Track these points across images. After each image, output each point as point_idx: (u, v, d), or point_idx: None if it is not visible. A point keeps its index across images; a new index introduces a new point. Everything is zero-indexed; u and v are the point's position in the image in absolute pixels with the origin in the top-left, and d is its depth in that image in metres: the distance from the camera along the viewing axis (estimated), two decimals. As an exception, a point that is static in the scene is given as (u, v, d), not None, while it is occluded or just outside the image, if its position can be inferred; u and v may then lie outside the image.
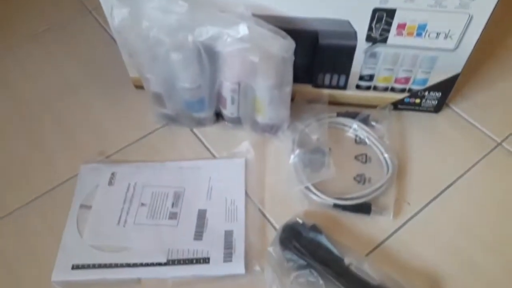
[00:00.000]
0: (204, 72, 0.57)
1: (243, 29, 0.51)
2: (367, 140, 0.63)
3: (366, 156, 0.62)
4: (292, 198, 0.58)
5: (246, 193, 0.59)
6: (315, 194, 0.57)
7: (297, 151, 0.60)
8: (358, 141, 0.64)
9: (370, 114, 0.64)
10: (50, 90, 0.73)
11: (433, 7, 0.51)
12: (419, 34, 0.55)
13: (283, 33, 0.53)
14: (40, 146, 0.65)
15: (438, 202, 0.58)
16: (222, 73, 0.57)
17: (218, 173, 0.61)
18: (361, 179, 0.60)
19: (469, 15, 0.52)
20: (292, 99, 0.61)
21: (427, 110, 0.66)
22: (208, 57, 0.55)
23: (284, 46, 0.53)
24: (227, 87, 0.59)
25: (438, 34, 0.54)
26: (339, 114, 0.65)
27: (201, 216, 0.57)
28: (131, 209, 0.58)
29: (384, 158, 0.61)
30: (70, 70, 0.76)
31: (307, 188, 0.57)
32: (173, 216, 0.57)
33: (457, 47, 0.56)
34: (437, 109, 0.66)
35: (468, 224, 0.56)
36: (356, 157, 0.62)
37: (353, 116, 0.64)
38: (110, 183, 0.61)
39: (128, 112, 0.69)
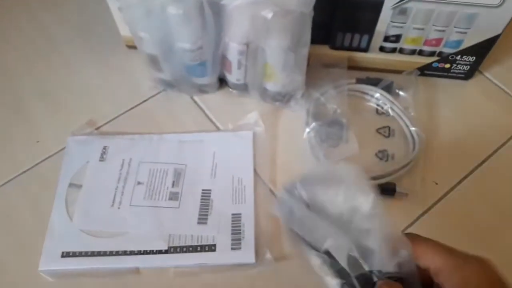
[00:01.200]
0: (206, 31, 0.49)
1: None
2: (390, 111, 0.56)
3: (389, 129, 0.55)
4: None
5: (255, 171, 0.53)
6: None
7: (312, 124, 0.53)
8: (380, 112, 0.57)
9: (394, 81, 0.57)
10: (32, 51, 0.64)
11: (480, -46, 0.43)
12: (459, -13, 0.47)
13: (301, -15, 0.45)
14: (22, 114, 0.58)
15: (470, 181, 0.52)
16: (228, 32, 0.49)
17: (223, 147, 0.55)
18: (383, 155, 0.53)
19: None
20: (308, 63, 0.53)
21: (457, 77, 0.59)
22: (212, 12, 0.47)
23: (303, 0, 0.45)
24: (233, 49, 0.51)
25: (482, -12, 0.46)
26: (359, 81, 0.57)
27: (206, 197, 0.51)
28: (126, 188, 0.52)
29: (410, 132, 0.54)
30: (53, 27, 0.67)
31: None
32: (174, 196, 0.51)
33: (502, 2, 0.48)
34: (468, 75, 0.58)
35: (503, 205, 0.51)
36: (377, 130, 0.55)
37: (374, 83, 0.57)
38: (102, 158, 0.54)
39: (119, 76, 0.61)
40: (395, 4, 0.49)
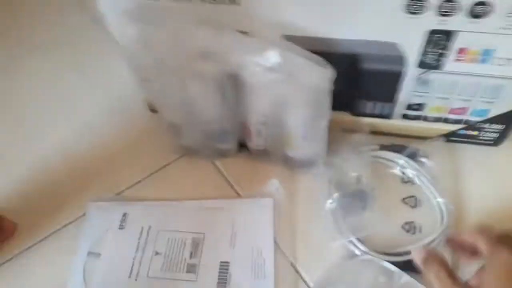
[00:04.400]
0: (226, 103, 0.49)
1: (273, 57, 0.43)
2: (416, 180, 0.54)
3: (415, 199, 0.53)
4: (331, 251, 0.50)
5: (275, 242, 0.51)
6: (358, 248, 0.48)
7: (334, 195, 0.52)
8: (406, 180, 0.55)
9: (420, 148, 0.55)
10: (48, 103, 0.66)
11: (505, 29, 0.42)
12: (484, 61, 0.46)
13: (321, 59, 0.45)
14: (46, 179, 0.59)
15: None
16: (248, 104, 0.49)
17: (242, 215, 0.54)
18: (410, 227, 0.51)
19: (550, 40, 0.42)
20: (331, 128, 0.52)
21: (485, 143, 0.57)
22: (232, 87, 0.47)
23: (322, 76, 0.44)
24: (253, 119, 0.51)
25: (508, 61, 0.45)
26: (382, 147, 0.56)
27: (224, 269, 0.49)
28: (144, 258, 0.51)
29: (438, 202, 0.52)
30: (79, 90, 0.69)
31: (349, 240, 0.49)
32: (191, 269, 0.50)
33: (529, 74, 0.46)
34: (497, 142, 0.56)
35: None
36: (403, 200, 0.53)
37: (399, 150, 0.55)
38: (121, 226, 0.54)
39: (141, 140, 0.62)
40: (417, 75, 0.49)
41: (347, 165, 0.54)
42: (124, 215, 0.54)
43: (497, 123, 0.53)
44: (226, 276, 0.49)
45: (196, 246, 0.51)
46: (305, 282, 0.48)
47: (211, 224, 0.53)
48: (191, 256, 0.51)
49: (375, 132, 0.57)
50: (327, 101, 0.47)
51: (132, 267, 0.50)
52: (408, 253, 0.48)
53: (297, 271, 0.49)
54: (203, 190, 0.56)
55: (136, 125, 0.63)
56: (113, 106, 0.66)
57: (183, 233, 0.52)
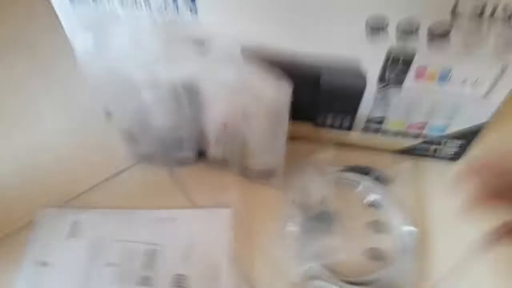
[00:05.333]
0: (182, 113, 0.48)
1: (229, 70, 0.42)
2: (381, 203, 0.54)
3: (380, 223, 0.52)
4: (292, 274, 0.48)
5: (233, 256, 0.50)
6: (320, 274, 0.48)
7: (296, 218, 0.51)
8: (370, 204, 0.54)
9: (384, 171, 0.55)
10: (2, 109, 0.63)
11: (462, 55, 0.42)
12: (441, 79, 0.45)
13: (278, 73, 0.43)
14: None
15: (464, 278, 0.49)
16: (205, 114, 0.48)
17: (198, 226, 0.52)
18: (373, 254, 0.50)
19: (504, 65, 0.42)
20: (291, 138, 0.51)
21: (444, 158, 0.57)
22: (188, 97, 0.46)
23: (279, 90, 0.43)
24: (211, 129, 0.50)
25: (464, 81, 0.45)
26: (347, 169, 0.55)
27: (179, 283, 0.48)
28: (96, 270, 0.49)
29: (402, 228, 0.51)
30: (29, 84, 0.66)
31: (310, 266, 0.48)
32: (145, 281, 0.48)
33: (487, 94, 0.46)
34: (455, 158, 0.57)
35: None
36: (367, 225, 0.53)
37: (364, 172, 0.55)
38: (72, 234, 0.52)
39: (96, 145, 0.59)
40: (376, 90, 0.48)
41: (310, 186, 0.53)
42: (75, 222, 0.52)
43: (456, 139, 0.53)
44: (179, 290, 0.48)
45: (151, 257, 0.50)
46: (262, 300, 0.48)
47: (166, 235, 0.52)
48: (145, 268, 0.49)
49: (336, 143, 0.57)
50: (285, 113, 0.46)
51: (83, 279, 0.48)
52: (371, 282, 0.47)
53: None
54: (158, 199, 0.55)
55: (92, 131, 0.61)
56: (69, 111, 0.63)
57: (137, 244, 0.51)
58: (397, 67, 0.45)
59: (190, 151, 0.55)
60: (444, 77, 0.45)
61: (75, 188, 0.55)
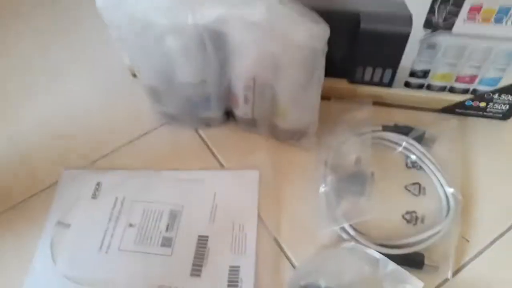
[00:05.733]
0: (209, 65, 0.44)
1: (260, 10, 0.38)
2: (421, 165, 0.49)
3: (419, 186, 0.48)
4: (320, 234, 0.45)
5: (259, 217, 0.47)
6: (351, 236, 0.44)
7: (329, 178, 0.47)
8: (410, 165, 0.50)
9: (426, 130, 0.50)
10: (29, 71, 0.62)
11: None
12: (498, 20, 0.40)
13: (314, 15, 0.39)
14: (20, 146, 0.55)
15: (506, 239, 0.45)
16: (233, 66, 0.45)
17: (225, 188, 0.50)
18: (411, 218, 0.46)
19: None
20: (325, 98, 0.47)
21: (493, 117, 0.52)
22: (214, 45, 0.42)
23: (316, 34, 0.39)
24: (239, 84, 0.47)
25: (526, 21, 0.40)
26: (385, 128, 0.51)
27: (202, 244, 0.45)
28: (117, 230, 0.47)
29: (445, 192, 0.47)
30: (55, 51, 0.64)
31: (341, 228, 0.45)
32: (167, 242, 0.46)
33: (548, 39, 0.41)
34: (507, 115, 0.52)
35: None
36: (406, 187, 0.48)
37: (404, 131, 0.50)
38: (94, 195, 0.50)
39: (121, 106, 0.57)
40: (422, 37, 0.43)
41: (345, 146, 0.49)
42: (98, 184, 0.50)
43: (508, 93, 0.48)
44: (204, 251, 0.45)
45: (174, 218, 0.47)
46: (289, 260, 0.44)
47: (191, 196, 0.49)
48: (167, 229, 0.47)
49: (374, 103, 0.52)
50: (320, 63, 0.42)
51: (103, 239, 0.46)
52: (407, 245, 0.43)
53: (281, 248, 0.45)
54: (184, 160, 0.52)
55: (117, 92, 0.58)
56: (95, 71, 0.61)
57: (160, 205, 0.48)
58: (447, 7, 0.40)
59: (217, 110, 0.52)
60: (501, 17, 0.40)
61: (100, 149, 0.53)
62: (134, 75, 0.57)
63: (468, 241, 0.45)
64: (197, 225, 0.47)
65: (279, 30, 0.39)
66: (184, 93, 0.49)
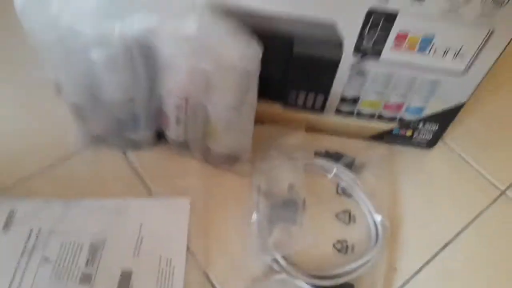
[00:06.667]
0: (137, 81, 0.42)
1: (192, 24, 0.37)
2: (352, 192, 0.50)
3: (349, 214, 0.48)
4: (253, 267, 0.43)
5: (189, 249, 0.44)
6: (282, 268, 0.43)
7: (262, 205, 0.46)
8: (340, 192, 0.50)
9: (356, 157, 0.51)
10: None
11: (447, 13, 0.39)
12: (422, 49, 0.42)
13: (248, 36, 0.39)
14: None
15: (433, 266, 0.46)
16: (164, 84, 0.43)
17: (152, 218, 0.46)
18: (342, 247, 0.46)
19: (490, 30, 0.40)
20: (258, 122, 0.47)
21: (418, 145, 0.54)
22: (143, 59, 0.40)
23: (248, 55, 0.39)
24: (170, 103, 0.44)
25: (446, 51, 0.42)
26: (317, 154, 0.51)
27: (125, 281, 0.42)
28: (30, 266, 0.42)
29: (373, 219, 0.47)
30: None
31: (273, 259, 0.43)
32: (86, 278, 0.42)
33: (467, 69, 0.44)
34: (430, 144, 0.54)
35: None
36: (337, 216, 0.48)
37: (335, 158, 0.51)
38: (6, 226, 0.44)
39: (42, 124, 0.53)
40: (352, 63, 0.44)
41: (278, 172, 0.49)
42: (11, 212, 0.45)
43: (432, 122, 0.50)
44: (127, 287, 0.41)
45: (94, 252, 0.43)
46: (219, 295, 0.42)
47: (114, 227, 0.45)
48: (87, 264, 0.42)
49: (307, 129, 0.53)
50: (253, 85, 0.42)
51: (13, 275, 0.41)
52: (338, 276, 0.43)
53: (211, 284, 0.43)
54: (109, 187, 0.48)
55: (40, 110, 0.54)
56: (15, 88, 0.56)
57: (80, 237, 0.44)
58: (376, 33, 0.41)
59: (147, 131, 0.49)
60: (425, 46, 0.42)
61: (16, 173, 0.48)
62: (59, 92, 0.53)
63: (396, 269, 0.45)
64: (120, 259, 0.43)
65: (211, 48, 0.38)
66: (111, 112, 0.46)
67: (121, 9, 0.37)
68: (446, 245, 0.48)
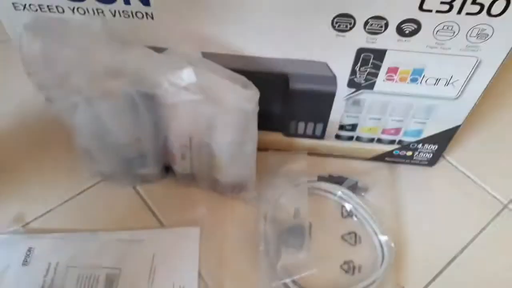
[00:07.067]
0: (142, 124, 0.45)
1: (188, 75, 0.39)
2: (356, 213, 0.51)
3: (355, 235, 0.50)
4: None
5: (200, 276, 0.46)
6: None
7: (269, 233, 0.47)
8: (345, 215, 0.51)
9: (359, 179, 0.52)
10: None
11: (433, 48, 0.40)
12: (414, 80, 0.44)
13: (244, 79, 0.41)
14: None
15: (440, 282, 0.47)
16: (167, 126, 0.45)
17: (165, 247, 0.49)
18: (349, 268, 0.47)
19: (477, 59, 0.41)
20: (262, 149, 0.48)
21: (420, 164, 0.55)
22: (147, 106, 0.43)
23: (246, 97, 0.41)
24: (175, 143, 0.47)
25: (437, 81, 0.43)
26: (320, 178, 0.53)
27: (140, 310, 0.44)
28: (50, 300, 0.45)
29: (379, 240, 0.49)
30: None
31: (283, 283, 0.45)
32: (103, 310, 0.44)
33: (459, 95, 0.45)
34: (432, 162, 0.55)
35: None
36: (343, 237, 0.50)
37: (339, 181, 0.52)
38: (25, 262, 0.47)
39: (55, 164, 0.55)
40: (347, 95, 0.46)
41: (283, 198, 0.51)
42: (30, 249, 0.48)
43: (430, 143, 0.52)
44: (142, 318, 0.44)
45: (111, 283, 0.46)
46: (232, 324, 0.44)
47: (129, 258, 0.48)
48: (104, 295, 0.45)
49: (309, 153, 0.54)
50: (253, 123, 0.44)
51: (35, 310, 0.44)
52: None
53: (223, 309, 0.45)
54: (122, 220, 0.51)
55: (51, 148, 0.57)
56: (26, 126, 0.59)
57: (96, 269, 0.47)
58: (367, 69, 0.43)
59: (154, 167, 0.51)
60: (416, 78, 0.43)
61: (32, 212, 0.51)
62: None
63: (403, 287, 0.47)
64: (135, 289, 0.45)
65: (210, 95, 0.40)
66: (119, 152, 0.48)
67: (121, 67, 0.39)
68: (452, 261, 0.49)
